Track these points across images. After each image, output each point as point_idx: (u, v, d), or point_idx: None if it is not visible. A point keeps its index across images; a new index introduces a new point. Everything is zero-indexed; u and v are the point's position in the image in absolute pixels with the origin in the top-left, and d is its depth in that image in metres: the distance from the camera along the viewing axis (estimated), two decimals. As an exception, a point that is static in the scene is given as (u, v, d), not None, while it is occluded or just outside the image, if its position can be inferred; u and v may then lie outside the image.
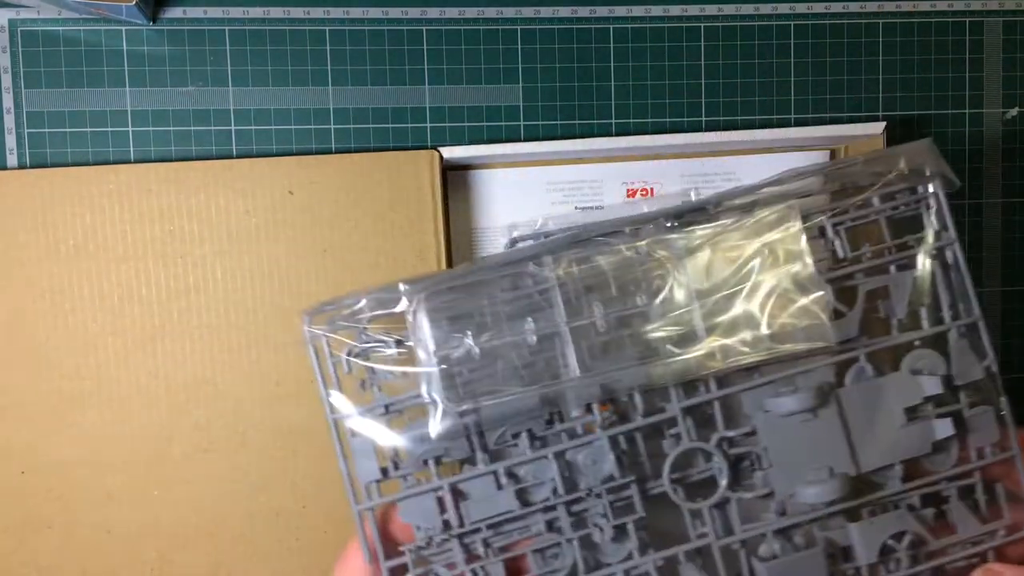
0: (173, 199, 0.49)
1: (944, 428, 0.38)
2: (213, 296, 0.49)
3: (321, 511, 0.50)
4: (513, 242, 0.52)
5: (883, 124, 0.52)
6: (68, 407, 0.49)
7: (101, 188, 0.49)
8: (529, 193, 0.53)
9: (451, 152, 0.50)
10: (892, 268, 0.39)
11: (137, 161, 0.52)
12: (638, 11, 0.55)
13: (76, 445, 0.49)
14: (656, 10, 0.55)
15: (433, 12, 0.54)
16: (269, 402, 0.50)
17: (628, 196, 0.54)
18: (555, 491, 0.38)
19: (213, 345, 0.50)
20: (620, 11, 0.55)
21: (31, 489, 0.49)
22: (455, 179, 0.53)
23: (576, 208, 0.54)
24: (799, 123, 0.56)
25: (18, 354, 0.49)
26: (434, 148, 0.50)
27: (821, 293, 0.38)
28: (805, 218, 0.38)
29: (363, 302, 0.38)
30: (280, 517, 0.50)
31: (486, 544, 0.38)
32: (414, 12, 0.54)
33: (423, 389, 0.38)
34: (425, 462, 0.38)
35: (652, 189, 0.54)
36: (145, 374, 0.49)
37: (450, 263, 0.52)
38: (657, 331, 0.38)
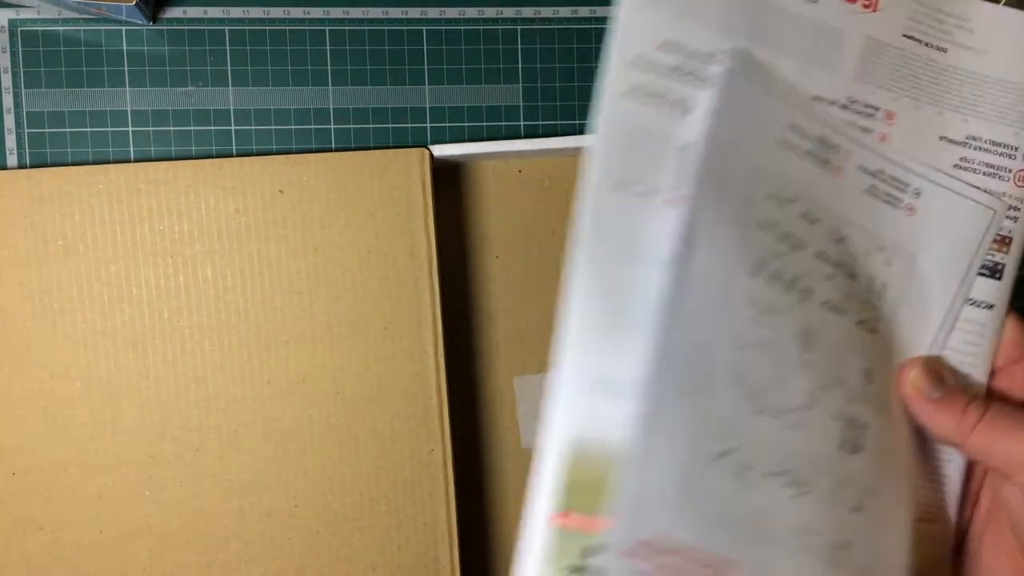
0: (163, 199, 0.49)
1: None
2: (204, 295, 0.49)
3: (313, 511, 0.50)
4: None
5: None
6: (58, 407, 0.49)
7: (91, 188, 0.49)
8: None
9: (442, 150, 0.50)
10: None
11: (137, 161, 0.52)
12: (638, 9, 0.54)
13: (66, 445, 0.49)
14: (656, 8, 0.54)
15: (433, 12, 0.54)
16: (260, 402, 0.50)
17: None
18: None
19: (204, 345, 0.49)
20: (620, 9, 0.54)
21: (21, 490, 0.49)
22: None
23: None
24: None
25: (7, 354, 0.49)
26: (424, 146, 0.50)
27: None
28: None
29: None
30: (272, 517, 0.50)
31: None
32: (414, 12, 0.54)
33: None
34: None
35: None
36: (135, 374, 0.49)
37: (441, 261, 0.51)
38: None
